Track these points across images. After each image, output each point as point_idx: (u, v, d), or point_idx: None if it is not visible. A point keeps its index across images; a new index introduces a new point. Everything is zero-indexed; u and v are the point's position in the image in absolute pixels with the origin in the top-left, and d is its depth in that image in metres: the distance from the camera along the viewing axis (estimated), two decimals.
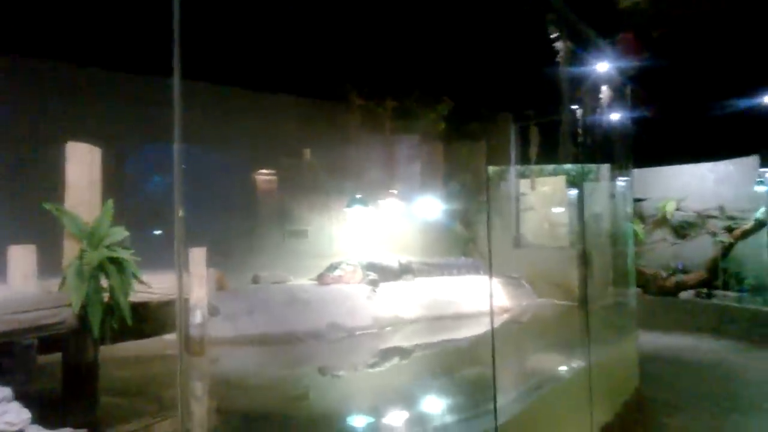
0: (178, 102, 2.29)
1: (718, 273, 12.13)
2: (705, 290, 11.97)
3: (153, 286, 4.36)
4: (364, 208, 8.06)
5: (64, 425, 3.08)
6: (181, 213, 2.29)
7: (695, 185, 12.82)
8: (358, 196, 7.94)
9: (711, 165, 12.53)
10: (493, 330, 4.39)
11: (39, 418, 2.94)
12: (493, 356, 3.99)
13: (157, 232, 5.51)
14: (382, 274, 7.45)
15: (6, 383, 2.96)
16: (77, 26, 5.43)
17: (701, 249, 12.51)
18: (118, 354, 4.71)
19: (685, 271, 12.54)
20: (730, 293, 11.68)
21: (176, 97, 2.30)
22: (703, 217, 12.65)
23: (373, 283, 7.20)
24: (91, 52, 5.83)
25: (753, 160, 11.70)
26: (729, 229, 12.18)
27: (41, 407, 3.06)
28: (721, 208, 12.40)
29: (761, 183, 11.44)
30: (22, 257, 4.14)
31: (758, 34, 8.14)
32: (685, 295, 12.18)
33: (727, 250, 12.10)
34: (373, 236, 8.53)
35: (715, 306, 11.37)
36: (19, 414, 2.85)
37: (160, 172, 6.36)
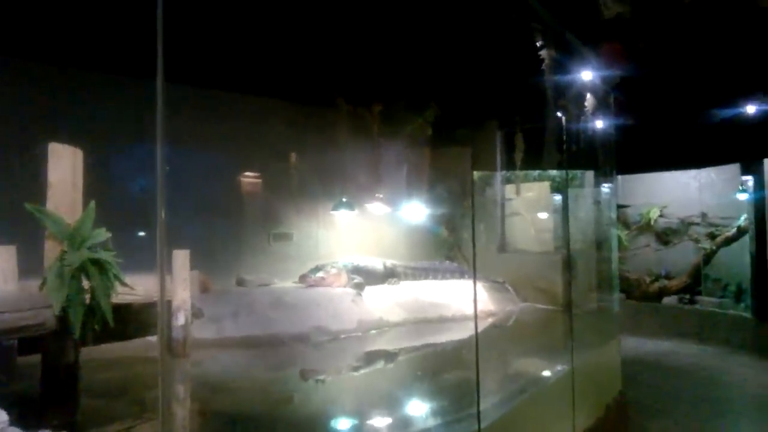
0: (160, 101, 2.30)
1: (701, 279, 12.29)
2: (687, 296, 12.12)
3: (136, 288, 4.33)
4: (350, 212, 8.07)
5: (43, 427, 3.06)
6: (163, 214, 2.30)
7: (679, 192, 12.99)
8: (344, 199, 7.95)
9: (694, 172, 12.70)
10: (477, 334, 4.42)
11: (18, 420, 2.90)
12: (477, 360, 4.02)
13: (141, 234, 5.48)
14: (366, 277, 7.45)
15: None
16: (60, 27, 5.40)
17: (684, 255, 12.68)
18: (100, 356, 4.68)
19: (668, 277, 12.69)
20: (712, 299, 11.84)
21: (159, 96, 2.31)
22: (686, 224, 12.81)
23: (358, 287, 7.21)
24: (74, 53, 5.79)
25: (735, 168, 11.87)
26: (711, 236, 12.35)
27: (20, 409, 3.04)
28: (704, 215, 12.57)
29: (743, 191, 11.61)
30: (3, 258, 4.10)
31: (740, 44, 8.27)
32: (668, 300, 12.32)
33: (709, 256, 12.26)
34: (358, 240, 8.54)
35: (697, 311, 11.52)
36: None
37: (145, 174, 6.32)
